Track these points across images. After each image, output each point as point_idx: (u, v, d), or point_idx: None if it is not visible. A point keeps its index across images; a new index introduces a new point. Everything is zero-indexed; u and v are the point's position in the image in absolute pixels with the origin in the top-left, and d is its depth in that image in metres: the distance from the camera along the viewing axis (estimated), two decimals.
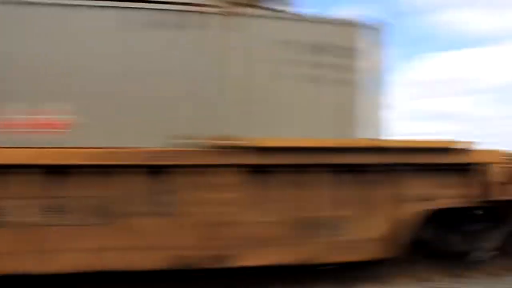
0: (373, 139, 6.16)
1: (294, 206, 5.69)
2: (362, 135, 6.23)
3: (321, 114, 6.14)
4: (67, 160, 5.21)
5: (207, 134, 5.57)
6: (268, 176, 5.66)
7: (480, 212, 6.49)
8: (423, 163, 6.05)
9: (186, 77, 5.74)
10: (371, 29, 6.51)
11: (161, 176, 5.40)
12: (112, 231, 5.25)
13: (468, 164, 6.20)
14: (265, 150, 5.55)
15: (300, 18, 6.25)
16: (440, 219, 6.39)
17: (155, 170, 5.36)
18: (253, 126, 5.85)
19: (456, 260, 6.57)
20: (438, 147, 6.11)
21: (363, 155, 5.83)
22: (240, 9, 6.03)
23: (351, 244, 5.83)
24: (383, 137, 6.47)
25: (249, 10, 6.05)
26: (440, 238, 6.46)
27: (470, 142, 6.35)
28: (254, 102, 5.96)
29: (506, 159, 6.41)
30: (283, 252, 5.66)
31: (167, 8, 5.71)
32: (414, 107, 29.61)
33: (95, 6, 5.56)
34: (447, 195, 6.19)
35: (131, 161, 5.28)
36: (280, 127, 5.97)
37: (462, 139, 6.30)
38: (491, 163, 6.27)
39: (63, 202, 5.23)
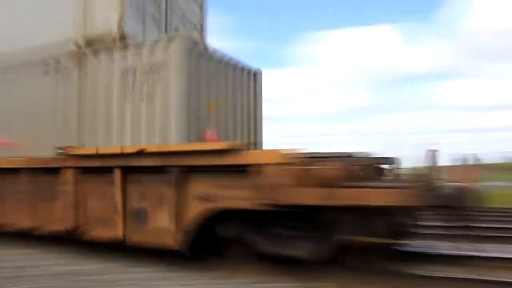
0: (159, 145, 7.16)
1: (105, 196, 7.49)
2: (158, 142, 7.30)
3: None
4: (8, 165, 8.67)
5: (69, 144, 8.00)
6: (94, 175, 7.64)
7: (291, 216, 6.33)
8: (201, 165, 6.69)
9: (56, 107, 8.30)
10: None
11: (41, 175, 8.21)
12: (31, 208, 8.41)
13: (243, 165, 6.38)
14: (87, 157, 7.57)
15: (137, 47, 7.77)
16: (253, 220, 6.64)
17: (35, 172, 8.22)
18: (99, 137, 7.89)
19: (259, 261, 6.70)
20: (212, 150, 6.59)
21: (148, 159, 7.03)
22: (88, 50, 8.07)
23: (150, 231, 7.15)
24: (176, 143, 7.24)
25: (95, 49, 8.03)
26: (245, 238, 6.74)
27: (247, 144, 6.45)
28: (102, 119, 7.95)
29: (288, 160, 6.20)
30: (111, 229, 7.51)
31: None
32: None
33: None
34: (231, 196, 6.52)
35: (24, 165, 8.32)
36: (119, 137, 7.76)
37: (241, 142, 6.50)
38: (267, 164, 6.23)
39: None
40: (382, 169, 7.72)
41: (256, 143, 9.21)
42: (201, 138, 7.73)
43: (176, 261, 7.29)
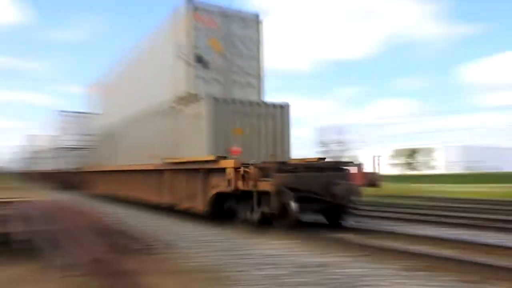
0: (191, 157, 12.89)
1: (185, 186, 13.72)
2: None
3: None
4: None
5: (165, 156, 14.58)
6: (178, 172, 13.98)
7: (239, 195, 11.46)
8: (210, 168, 12.24)
9: (164, 135, 14.98)
10: None
11: (155, 173, 15.03)
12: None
13: (223, 168, 11.66)
14: (174, 164, 13.97)
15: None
16: (234, 198, 11.89)
17: (155, 172, 15.14)
18: (180, 151, 14.22)
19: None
20: (210, 160, 12.07)
21: (191, 164, 12.94)
22: (179, 103, 14.42)
23: (196, 203, 13.02)
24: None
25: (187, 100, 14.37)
26: (233, 209, 11.98)
27: (223, 155, 11.77)
28: (180, 143, 14.23)
29: (237, 165, 11.28)
30: (192, 202, 13.68)
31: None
32: None
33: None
34: (221, 185, 11.92)
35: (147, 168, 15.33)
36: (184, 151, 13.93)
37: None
38: (228, 167, 11.41)
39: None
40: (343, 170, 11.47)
41: (282, 154, 13.97)
42: (228, 152, 13.14)
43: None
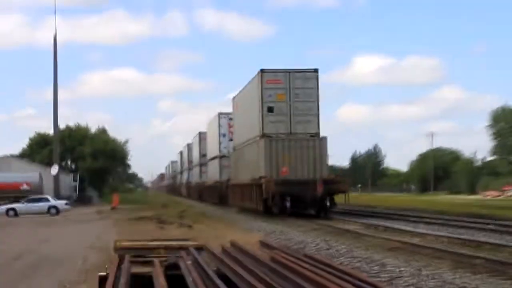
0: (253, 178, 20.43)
1: None
2: None
3: None
4: None
5: (260, 175, 22.64)
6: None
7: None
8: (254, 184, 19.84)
9: (256, 158, 23.07)
10: None
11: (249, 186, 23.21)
12: None
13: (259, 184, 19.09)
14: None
15: None
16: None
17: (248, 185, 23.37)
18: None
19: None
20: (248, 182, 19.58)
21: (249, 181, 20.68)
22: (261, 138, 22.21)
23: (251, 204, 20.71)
24: None
25: None
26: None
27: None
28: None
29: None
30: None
31: None
32: None
33: None
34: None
35: None
36: None
37: None
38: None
39: None
40: None
41: (321, 173, 20.36)
42: (279, 172, 20.31)
43: None
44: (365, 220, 18.48)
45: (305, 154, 20.75)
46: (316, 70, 22.33)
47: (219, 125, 33.57)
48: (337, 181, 20.76)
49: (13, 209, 27.08)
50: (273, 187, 19.29)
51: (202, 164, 41.19)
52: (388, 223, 16.90)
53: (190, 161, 49.46)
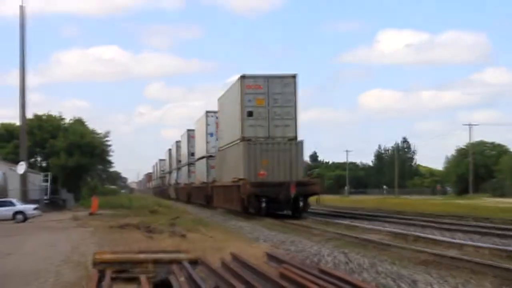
0: (234, 179, 21.36)
1: None
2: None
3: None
4: None
5: (238, 177, 23.53)
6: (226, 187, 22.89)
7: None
8: (233, 185, 20.76)
9: (238, 159, 24.03)
10: None
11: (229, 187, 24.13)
12: None
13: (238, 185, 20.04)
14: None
15: None
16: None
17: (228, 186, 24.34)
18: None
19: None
20: (231, 183, 20.51)
21: (231, 182, 21.59)
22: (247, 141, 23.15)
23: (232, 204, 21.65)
24: None
25: None
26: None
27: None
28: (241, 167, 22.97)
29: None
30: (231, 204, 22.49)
31: None
32: None
33: None
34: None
35: None
36: None
37: None
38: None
39: None
40: None
41: (296, 175, 21.34)
42: (257, 174, 21.24)
43: None
44: (392, 227, 16.75)
45: (282, 157, 21.70)
46: (294, 76, 23.25)
47: (207, 124, 33.39)
48: (310, 183, 21.73)
49: None
50: (249, 188, 20.35)
51: (190, 164, 40.90)
52: (419, 231, 15.09)
53: (178, 161, 48.83)
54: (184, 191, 45.18)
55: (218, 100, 29.68)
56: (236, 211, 23.27)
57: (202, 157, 35.35)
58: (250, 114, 22.70)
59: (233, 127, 24.20)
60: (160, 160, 72.42)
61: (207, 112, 33.80)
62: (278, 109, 22.85)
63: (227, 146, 25.96)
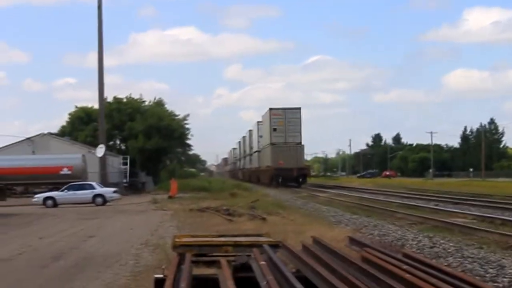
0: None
1: None
2: None
3: None
4: None
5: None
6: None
7: None
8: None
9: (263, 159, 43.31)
10: None
11: None
12: None
13: None
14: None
15: None
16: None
17: None
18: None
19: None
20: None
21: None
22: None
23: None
24: None
25: None
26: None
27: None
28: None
29: None
30: None
31: None
32: None
33: None
34: None
35: None
36: None
37: None
38: None
39: None
40: None
41: (300, 163, 39.98)
42: (278, 163, 39.98)
43: None
44: (478, 211, 16.42)
45: (291, 154, 40.22)
46: (299, 108, 42.51)
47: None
48: (305, 168, 41.21)
49: (51, 197, 23.58)
50: (273, 171, 39.34)
51: (251, 154, 56.30)
52: (507, 215, 14.70)
53: (244, 151, 62.77)
54: (247, 173, 63.41)
55: (257, 122, 49.75)
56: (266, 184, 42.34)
57: (257, 151, 52.42)
58: (275, 129, 41.50)
59: (266, 137, 43.27)
60: (233, 148, 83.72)
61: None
62: (291, 127, 41.38)
63: (263, 147, 45.37)
